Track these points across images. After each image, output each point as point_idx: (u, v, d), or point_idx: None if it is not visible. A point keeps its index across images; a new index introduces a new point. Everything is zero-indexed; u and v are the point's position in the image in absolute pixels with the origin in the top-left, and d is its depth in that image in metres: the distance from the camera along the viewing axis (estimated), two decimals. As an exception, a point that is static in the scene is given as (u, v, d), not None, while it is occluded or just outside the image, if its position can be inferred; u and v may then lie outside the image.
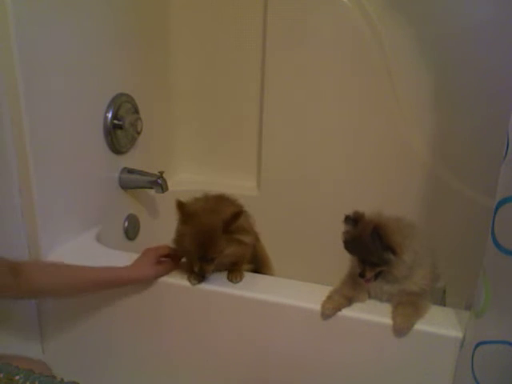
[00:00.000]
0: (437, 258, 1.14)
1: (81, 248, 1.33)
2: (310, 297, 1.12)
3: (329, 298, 1.09)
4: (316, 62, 1.64)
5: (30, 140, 1.16)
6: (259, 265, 1.31)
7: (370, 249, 1.02)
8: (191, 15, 1.76)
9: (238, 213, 1.11)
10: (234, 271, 1.18)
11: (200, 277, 1.15)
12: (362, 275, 1.05)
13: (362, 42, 1.58)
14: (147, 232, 1.68)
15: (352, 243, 1.07)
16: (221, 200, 1.21)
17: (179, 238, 1.14)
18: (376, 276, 1.06)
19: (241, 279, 1.18)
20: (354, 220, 1.07)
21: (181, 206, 1.12)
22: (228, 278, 1.17)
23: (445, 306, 1.26)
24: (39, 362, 1.03)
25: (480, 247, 0.96)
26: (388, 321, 1.05)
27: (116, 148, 1.50)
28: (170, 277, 1.19)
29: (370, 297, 1.11)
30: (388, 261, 1.02)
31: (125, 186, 1.57)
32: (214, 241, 1.09)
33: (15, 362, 0.92)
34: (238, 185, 1.86)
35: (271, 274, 1.33)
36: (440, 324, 1.05)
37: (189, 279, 1.17)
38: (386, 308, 1.08)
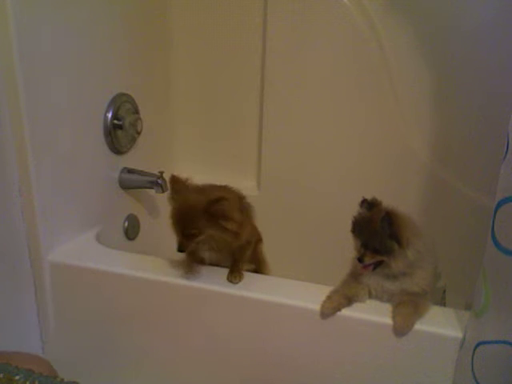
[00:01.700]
0: (437, 257, 1.14)
1: (81, 248, 1.33)
2: (310, 297, 1.12)
3: (329, 297, 1.09)
4: (316, 62, 1.64)
5: (29, 140, 1.16)
6: (257, 266, 1.31)
7: (377, 232, 1.02)
8: (191, 15, 1.76)
9: (222, 198, 1.09)
10: (233, 271, 1.18)
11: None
12: (360, 260, 1.05)
13: (362, 42, 1.58)
14: (147, 232, 1.68)
15: (360, 225, 1.06)
16: (220, 187, 1.21)
17: (170, 212, 1.15)
18: (375, 266, 1.06)
19: (240, 279, 1.18)
20: (370, 204, 1.07)
21: (173, 180, 1.14)
22: (228, 279, 1.17)
23: (445, 305, 1.26)
24: (38, 357, 1.00)
25: (480, 247, 0.96)
26: (388, 321, 1.05)
27: (116, 148, 1.50)
28: (170, 277, 1.19)
29: (370, 297, 1.11)
30: (390, 250, 1.02)
31: (125, 186, 1.57)
32: (192, 217, 1.10)
33: (14, 359, 0.90)
34: (238, 185, 1.85)
35: None
36: (440, 324, 1.05)
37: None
38: (386, 308, 1.08)
